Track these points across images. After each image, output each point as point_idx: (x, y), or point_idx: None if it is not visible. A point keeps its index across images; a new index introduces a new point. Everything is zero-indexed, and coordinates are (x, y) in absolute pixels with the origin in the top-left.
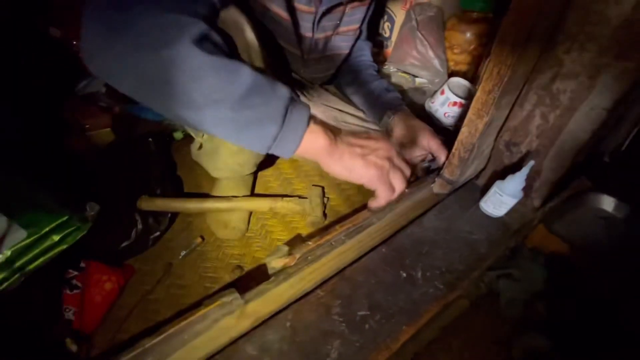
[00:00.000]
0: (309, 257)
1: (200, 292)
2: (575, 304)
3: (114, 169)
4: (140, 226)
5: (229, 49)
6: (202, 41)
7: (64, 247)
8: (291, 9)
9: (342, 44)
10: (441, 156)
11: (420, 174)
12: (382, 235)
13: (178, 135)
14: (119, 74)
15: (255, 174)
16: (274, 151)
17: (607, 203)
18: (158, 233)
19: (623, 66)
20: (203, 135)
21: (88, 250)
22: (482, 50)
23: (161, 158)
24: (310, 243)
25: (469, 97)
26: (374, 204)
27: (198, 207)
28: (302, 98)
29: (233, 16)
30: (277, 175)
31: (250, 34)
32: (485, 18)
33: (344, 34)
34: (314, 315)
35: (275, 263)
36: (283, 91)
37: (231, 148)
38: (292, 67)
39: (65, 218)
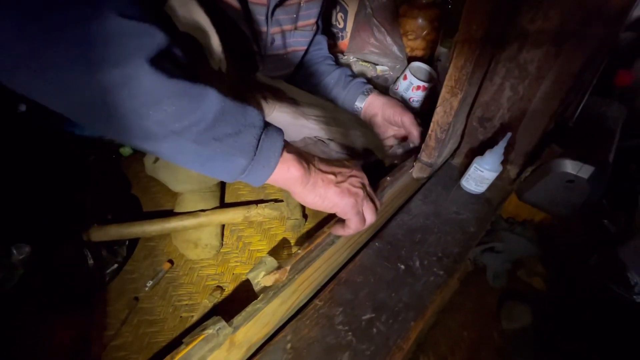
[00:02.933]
0: (298, 266)
1: (176, 326)
2: (551, 268)
3: (49, 199)
4: (91, 261)
5: (192, 63)
6: (160, 58)
7: None
8: (242, 0)
9: (301, 39)
10: (413, 131)
11: (394, 161)
12: (372, 229)
13: (125, 151)
14: (49, 92)
15: (222, 183)
16: (242, 180)
17: (572, 167)
18: (115, 266)
19: (587, 31)
20: None
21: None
22: (435, 35)
23: (108, 179)
24: (299, 251)
25: (430, 80)
26: (340, 231)
27: (161, 229)
28: (267, 95)
29: (195, 18)
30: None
31: (215, 41)
32: (434, 3)
33: (302, 29)
34: (315, 329)
35: (265, 281)
36: (255, 118)
37: None
38: (251, 65)
39: None
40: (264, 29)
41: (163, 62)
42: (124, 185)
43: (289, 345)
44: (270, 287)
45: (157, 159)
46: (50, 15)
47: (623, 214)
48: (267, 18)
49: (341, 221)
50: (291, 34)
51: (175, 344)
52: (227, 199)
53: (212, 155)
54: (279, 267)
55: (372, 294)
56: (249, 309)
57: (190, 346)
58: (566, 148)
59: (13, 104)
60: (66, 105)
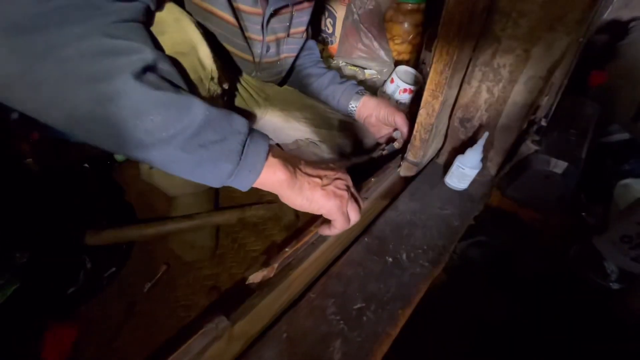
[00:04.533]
0: (292, 262)
1: (174, 326)
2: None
3: (46, 205)
4: (89, 265)
5: (178, 75)
6: (146, 72)
7: None
8: (235, 12)
9: (292, 46)
10: (405, 130)
11: (381, 155)
12: (361, 225)
13: (120, 157)
14: (42, 107)
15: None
16: (230, 184)
17: (547, 162)
18: (113, 269)
19: (552, 37)
20: None
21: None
22: (420, 39)
23: (103, 184)
24: (287, 250)
25: (416, 83)
26: (327, 231)
27: (157, 231)
28: (260, 99)
29: (186, 32)
30: None
31: (204, 52)
32: (419, 9)
33: (293, 36)
34: (309, 320)
35: (253, 277)
36: (239, 125)
37: None
38: (244, 71)
39: None
40: (259, 37)
41: (149, 76)
42: (119, 191)
43: (284, 335)
44: (264, 283)
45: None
46: (39, 35)
47: (600, 207)
48: (262, 27)
49: (327, 221)
50: (284, 41)
51: (174, 343)
52: (222, 202)
53: (199, 161)
54: (267, 265)
55: (362, 285)
56: (246, 304)
57: (190, 340)
58: (540, 145)
59: (5, 112)
60: (58, 119)
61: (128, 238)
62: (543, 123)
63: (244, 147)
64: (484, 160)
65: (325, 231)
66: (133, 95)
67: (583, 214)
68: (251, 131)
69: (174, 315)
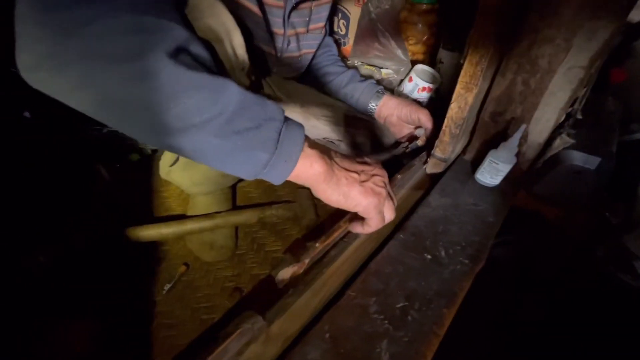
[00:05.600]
0: (325, 259)
1: (196, 328)
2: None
3: (62, 203)
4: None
5: (211, 59)
6: (179, 53)
7: None
8: (260, 3)
9: (312, 42)
10: (429, 126)
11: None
12: (392, 222)
13: (134, 156)
14: (71, 89)
15: (233, 187)
16: (263, 177)
17: (579, 158)
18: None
19: (595, 25)
20: None
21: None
22: (434, 39)
23: (118, 184)
24: (317, 245)
25: (434, 81)
26: (359, 229)
27: (177, 230)
28: (279, 96)
29: (220, 18)
30: (258, 184)
31: (238, 40)
32: (433, 9)
33: (312, 32)
34: (351, 319)
35: (283, 274)
36: (274, 111)
37: None
38: (266, 66)
39: None
40: (281, 31)
41: (182, 56)
42: (134, 190)
43: (327, 335)
44: (297, 281)
45: (174, 162)
46: (67, 12)
47: (622, 205)
48: (284, 21)
49: (358, 218)
50: (304, 36)
51: (198, 346)
52: (239, 202)
53: (233, 149)
54: (298, 260)
55: (403, 283)
56: (281, 302)
57: (227, 341)
58: (576, 139)
59: (18, 111)
60: (86, 102)
61: (148, 237)
62: (579, 116)
63: (279, 135)
64: (517, 155)
65: (357, 229)
66: (165, 75)
67: (607, 213)
68: (286, 119)
69: (196, 317)
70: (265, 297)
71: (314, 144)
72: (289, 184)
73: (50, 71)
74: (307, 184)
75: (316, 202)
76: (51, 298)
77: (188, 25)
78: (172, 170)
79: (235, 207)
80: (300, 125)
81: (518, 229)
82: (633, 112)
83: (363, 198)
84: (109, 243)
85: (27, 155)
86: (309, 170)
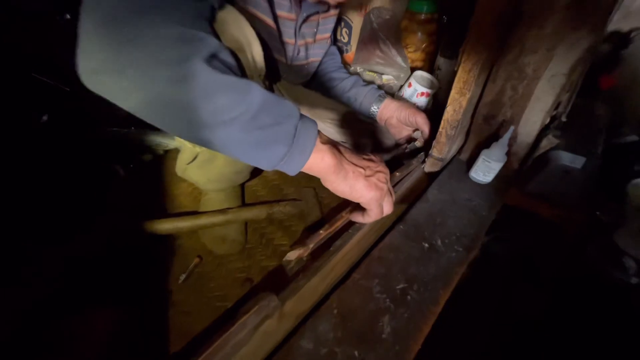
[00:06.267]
0: (332, 248)
1: (210, 316)
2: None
3: (83, 200)
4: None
5: (236, 65)
6: (212, 59)
7: None
8: (275, 16)
9: (319, 50)
10: (426, 129)
11: (403, 156)
12: (392, 216)
13: (147, 156)
14: (124, 90)
15: (242, 185)
16: (280, 168)
17: (567, 158)
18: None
19: (574, 37)
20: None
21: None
22: (433, 47)
23: (133, 182)
24: (321, 232)
25: (432, 87)
26: (359, 218)
27: (192, 225)
28: (288, 98)
29: (243, 31)
30: (265, 184)
31: (257, 50)
32: (432, 18)
33: (319, 41)
34: (357, 298)
35: (290, 255)
36: (292, 110)
37: (228, 157)
38: (277, 72)
39: None
40: (292, 41)
41: (214, 62)
42: (148, 188)
43: (335, 311)
44: (309, 265)
45: (192, 160)
46: (128, 24)
47: (614, 205)
48: (295, 32)
49: (359, 209)
50: (312, 46)
51: (214, 330)
52: (247, 200)
53: (256, 142)
54: (303, 244)
55: (403, 268)
56: (293, 285)
57: (247, 315)
58: (560, 139)
59: (37, 115)
60: (136, 102)
61: (165, 231)
62: (563, 119)
63: (296, 130)
64: (507, 154)
65: (358, 218)
66: (202, 77)
67: (597, 212)
68: (301, 116)
69: (210, 304)
70: (276, 283)
71: (326, 139)
72: (295, 184)
73: (112, 74)
74: (318, 175)
75: (321, 201)
76: (75, 289)
77: (217, 36)
78: (189, 168)
79: (244, 205)
80: (314, 122)
81: (514, 226)
82: (623, 117)
83: (367, 191)
84: (127, 237)
85: (47, 157)
86: (320, 163)
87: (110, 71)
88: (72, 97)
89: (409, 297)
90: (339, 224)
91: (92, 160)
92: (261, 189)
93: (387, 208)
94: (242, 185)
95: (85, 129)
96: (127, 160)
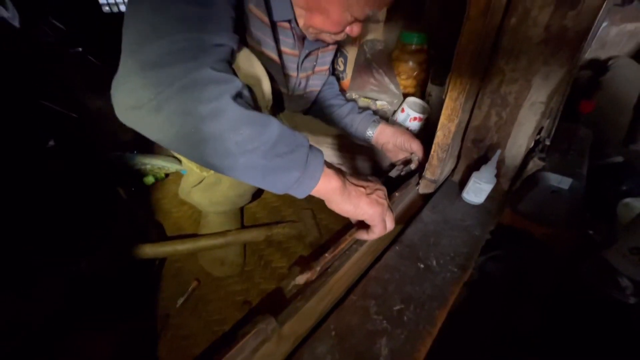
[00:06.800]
0: (330, 269)
1: (208, 339)
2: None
3: (88, 220)
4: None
5: (252, 100)
6: (237, 97)
7: None
8: (280, 53)
9: (317, 81)
10: (421, 154)
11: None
12: (389, 236)
13: (149, 179)
14: (159, 125)
15: (241, 207)
16: (291, 192)
17: (554, 179)
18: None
19: (548, 69)
20: (209, 170)
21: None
22: (424, 75)
23: (135, 205)
24: (327, 255)
25: (424, 112)
26: (365, 236)
27: (191, 247)
28: (289, 125)
29: (255, 69)
30: (264, 206)
31: (267, 85)
32: (422, 49)
33: (318, 73)
34: (355, 318)
35: (298, 280)
36: (302, 140)
37: (233, 180)
38: (280, 102)
39: None
40: (294, 74)
41: (239, 100)
42: (149, 211)
43: (333, 333)
44: (306, 287)
45: (198, 183)
46: (167, 69)
47: (604, 224)
48: (298, 66)
49: (364, 227)
50: (311, 77)
51: (212, 354)
52: (246, 222)
53: (275, 168)
54: (310, 268)
55: (399, 288)
56: (291, 306)
57: (245, 339)
58: (545, 162)
59: (44, 140)
60: (170, 136)
61: (165, 253)
62: (547, 142)
63: (307, 157)
64: (497, 176)
65: (362, 236)
66: (230, 113)
67: (590, 232)
68: (310, 145)
69: (208, 328)
70: (275, 305)
71: (330, 165)
72: (293, 205)
73: (150, 110)
74: (324, 197)
75: (319, 222)
76: (74, 311)
77: (236, 75)
78: (193, 191)
79: (243, 227)
80: (320, 150)
81: (509, 245)
82: (605, 139)
83: (369, 207)
84: (127, 259)
85: (52, 180)
86: (327, 185)
87: (148, 108)
88: (78, 123)
89: (405, 317)
90: (343, 245)
91: (95, 183)
92: (260, 211)
93: (390, 224)
94: (242, 208)
95: (90, 153)
96: (129, 184)
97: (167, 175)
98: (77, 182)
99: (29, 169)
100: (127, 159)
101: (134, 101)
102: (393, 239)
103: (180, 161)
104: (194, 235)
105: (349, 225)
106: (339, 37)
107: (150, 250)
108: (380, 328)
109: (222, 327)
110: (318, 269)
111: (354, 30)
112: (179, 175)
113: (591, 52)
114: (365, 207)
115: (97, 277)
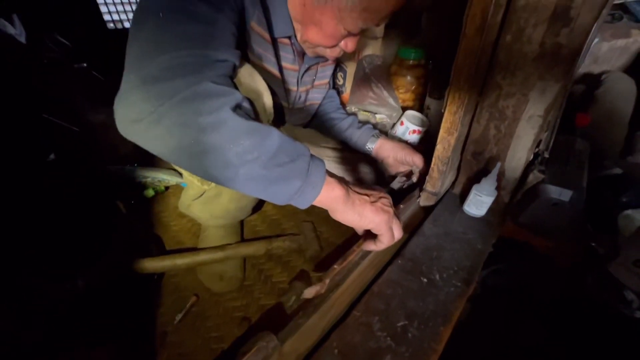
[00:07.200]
0: (331, 285)
1: (207, 358)
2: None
3: (85, 234)
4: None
5: (253, 113)
6: (237, 108)
7: None
8: (280, 68)
9: (317, 95)
10: (423, 167)
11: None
12: (391, 250)
13: (149, 192)
14: (159, 138)
15: (241, 220)
16: (294, 202)
17: (554, 191)
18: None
19: (544, 84)
20: (210, 183)
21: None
22: (422, 89)
23: (134, 218)
24: (336, 267)
25: (423, 125)
26: (372, 246)
27: (191, 262)
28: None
29: (256, 84)
30: (264, 219)
31: (268, 99)
32: (419, 64)
33: (318, 87)
34: (358, 336)
35: (307, 293)
36: (303, 149)
37: (233, 193)
38: (281, 116)
39: None
40: (294, 88)
41: (239, 111)
42: (148, 224)
43: (336, 351)
44: (308, 303)
45: (199, 197)
46: (168, 82)
47: (607, 237)
48: (298, 80)
49: (371, 238)
50: (311, 91)
51: None
52: (246, 235)
53: (275, 178)
54: (320, 279)
55: (403, 303)
56: (292, 323)
57: (244, 357)
58: (545, 174)
59: (45, 154)
60: (171, 148)
61: (164, 268)
62: (546, 155)
63: (309, 166)
64: (498, 188)
65: (370, 246)
66: (230, 124)
67: (593, 244)
68: (311, 155)
69: (207, 346)
70: (275, 322)
71: (332, 174)
72: (293, 218)
73: (150, 123)
74: (328, 206)
75: (319, 235)
76: (71, 327)
77: (237, 89)
78: (193, 204)
79: (243, 240)
80: (322, 160)
81: (511, 259)
82: (602, 151)
83: (375, 215)
84: (126, 274)
85: (53, 193)
86: (330, 194)
87: (149, 121)
88: (79, 136)
89: (409, 334)
90: (351, 257)
91: (94, 197)
92: (260, 224)
93: (397, 232)
94: (242, 221)
95: (90, 166)
96: (129, 197)
97: (167, 188)
98: (76, 195)
99: (29, 182)
100: (127, 172)
101: (135, 114)
102: (395, 253)
103: (180, 174)
104: (194, 249)
105: (350, 238)
106: (335, 53)
107: (149, 264)
108: (384, 345)
109: (220, 344)
110: (327, 281)
111: (349, 45)
112: (179, 188)
113: (585, 66)
114: (371, 216)
115: (95, 292)
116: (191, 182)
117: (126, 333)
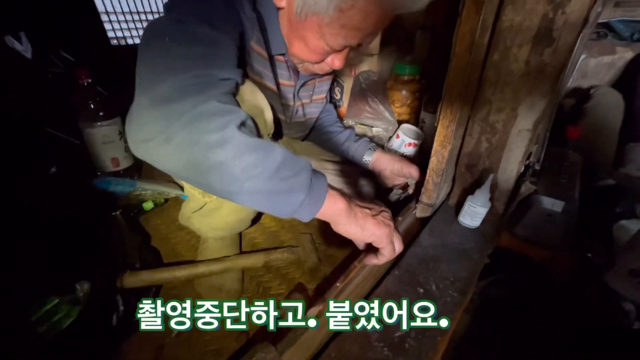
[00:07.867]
0: (326, 295)
1: None
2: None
3: (82, 247)
4: (122, 308)
5: (256, 129)
6: (241, 126)
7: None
8: (278, 84)
9: (314, 109)
10: (419, 179)
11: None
12: (389, 261)
13: (148, 205)
14: (169, 155)
15: (240, 232)
16: (297, 215)
17: (547, 202)
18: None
19: (532, 99)
20: (211, 196)
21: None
22: (417, 103)
23: (132, 230)
24: (338, 284)
25: (418, 138)
26: (374, 260)
27: (190, 274)
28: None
29: (258, 100)
30: (262, 231)
31: (268, 114)
32: (414, 79)
33: (315, 101)
34: (356, 347)
35: (310, 313)
36: (305, 164)
37: (233, 206)
38: (280, 130)
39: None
40: (291, 103)
41: (243, 129)
42: (147, 236)
43: None
44: (306, 314)
45: (199, 209)
46: (177, 103)
47: (603, 247)
48: (294, 96)
49: (372, 252)
50: (308, 105)
51: None
52: (244, 247)
53: (279, 192)
54: (322, 300)
55: None
56: (291, 335)
57: None
58: (537, 186)
59: (46, 166)
60: (179, 165)
61: (162, 280)
62: (537, 167)
63: (311, 180)
64: (491, 200)
65: (372, 260)
66: (235, 141)
67: (589, 254)
68: (313, 169)
69: None
70: (273, 333)
71: (334, 187)
72: (292, 230)
73: (160, 142)
74: (330, 219)
75: (317, 247)
76: (65, 340)
77: (239, 106)
78: (193, 216)
79: (241, 253)
80: (323, 174)
81: (508, 269)
82: (593, 163)
83: (377, 229)
84: (123, 286)
85: (53, 205)
86: (333, 207)
87: (159, 140)
88: (80, 149)
89: (407, 344)
90: (353, 274)
91: (94, 209)
92: (259, 236)
93: (398, 246)
94: (240, 233)
95: (91, 179)
96: (129, 209)
97: (166, 200)
98: (75, 207)
99: (29, 195)
100: (127, 185)
101: (145, 135)
102: (393, 264)
103: (181, 187)
104: (192, 261)
105: (349, 250)
106: (323, 69)
107: (147, 277)
108: (382, 356)
109: (218, 358)
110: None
111: (335, 62)
112: (178, 200)
113: (574, 81)
114: (373, 229)
115: (91, 304)
116: (193, 195)
117: (121, 347)
